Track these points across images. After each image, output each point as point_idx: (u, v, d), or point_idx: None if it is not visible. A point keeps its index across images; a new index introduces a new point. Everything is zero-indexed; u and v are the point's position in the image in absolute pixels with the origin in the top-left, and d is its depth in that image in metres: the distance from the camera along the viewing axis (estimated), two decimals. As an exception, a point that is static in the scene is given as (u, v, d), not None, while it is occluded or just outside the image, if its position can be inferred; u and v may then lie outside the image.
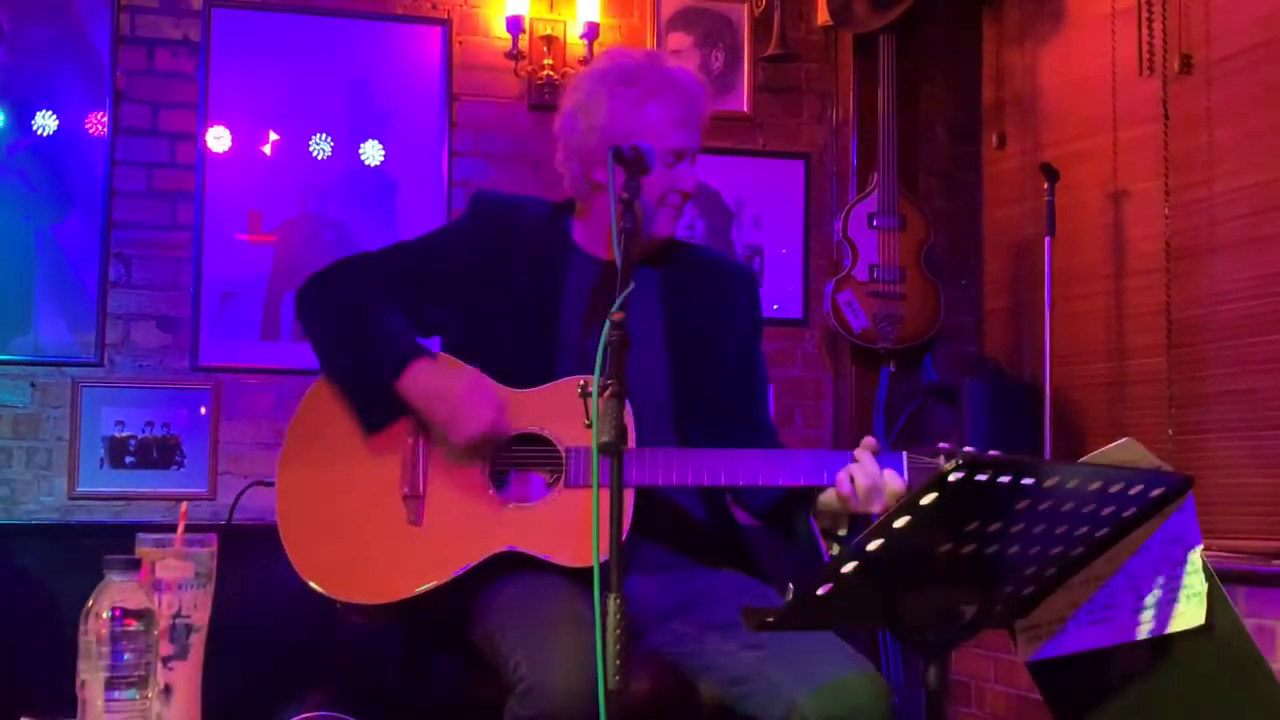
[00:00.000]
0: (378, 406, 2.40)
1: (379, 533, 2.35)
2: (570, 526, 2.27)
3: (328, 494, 2.39)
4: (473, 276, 2.49)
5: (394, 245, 2.62)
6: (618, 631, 1.73)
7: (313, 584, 2.32)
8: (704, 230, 4.74)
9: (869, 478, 2.21)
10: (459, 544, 2.31)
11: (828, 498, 2.28)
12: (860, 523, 2.29)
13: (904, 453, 2.26)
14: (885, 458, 2.24)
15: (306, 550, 2.35)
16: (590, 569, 1.77)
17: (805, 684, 2.12)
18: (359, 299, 2.48)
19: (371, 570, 2.33)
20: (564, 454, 2.33)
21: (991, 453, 2.21)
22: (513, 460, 2.38)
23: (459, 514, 2.35)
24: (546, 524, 2.31)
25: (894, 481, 2.22)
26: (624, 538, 1.83)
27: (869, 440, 2.26)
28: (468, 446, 2.33)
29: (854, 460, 2.24)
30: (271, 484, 2.42)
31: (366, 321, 2.45)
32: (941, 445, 2.28)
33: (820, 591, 1.67)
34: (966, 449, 2.24)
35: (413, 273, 2.53)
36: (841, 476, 2.22)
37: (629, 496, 2.23)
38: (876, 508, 2.21)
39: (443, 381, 2.36)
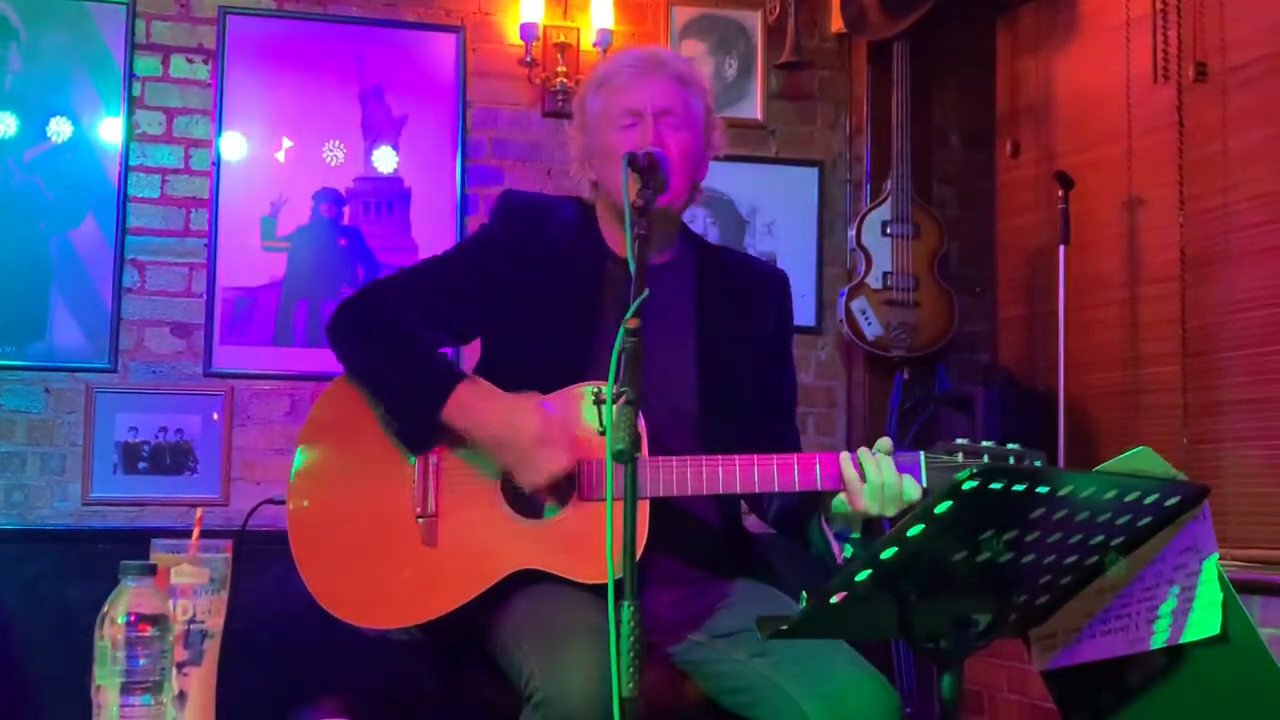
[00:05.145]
0: (421, 433, 2.36)
1: (396, 558, 2.32)
2: (586, 542, 2.26)
3: (341, 520, 2.36)
4: (508, 280, 2.46)
5: (426, 261, 2.59)
6: (631, 640, 1.72)
7: (336, 615, 2.30)
8: (717, 238, 4.73)
9: (879, 474, 2.19)
10: (475, 565, 2.30)
11: (839, 501, 2.26)
12: (874, 525, 2.28)
13: (920, 452, 2.24)
14: (902, 457, 2.23)
15: (326, 583, 2.32)
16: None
17: (814, 693, 2.12)
18: (391, 326, 2.44)
19: (391, 596, 2.32)
20: (577, 466, 2.31)
21: (1010, 445, 2.22)
22: None
23: (474, 534, 2.33)
24: (562, 540, 2.29)
25: (911, 489, 2.20)
26: (640, 552, 1.80)
27: (884, 441, 2.25)
28: (548, 485, 2.30)
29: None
30: (282, 501, 2.40)
31: (400, 351, 2.42)
32: (959, 440, 2.26)
33: (834, 600, 1.66)
34: (984, 443, 2.24)
35: (448, 285, 2.50)
36: (844, 459, 2.21)
37: (644, 510, 2.20)
38: (890, 511, 2.20)
39: (506, 418, 2.31)
